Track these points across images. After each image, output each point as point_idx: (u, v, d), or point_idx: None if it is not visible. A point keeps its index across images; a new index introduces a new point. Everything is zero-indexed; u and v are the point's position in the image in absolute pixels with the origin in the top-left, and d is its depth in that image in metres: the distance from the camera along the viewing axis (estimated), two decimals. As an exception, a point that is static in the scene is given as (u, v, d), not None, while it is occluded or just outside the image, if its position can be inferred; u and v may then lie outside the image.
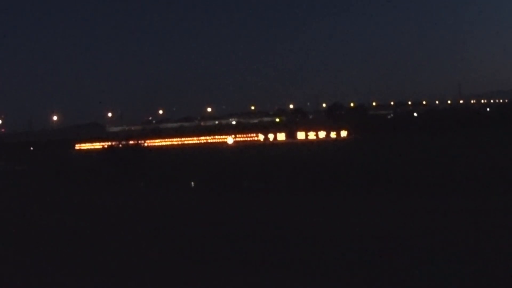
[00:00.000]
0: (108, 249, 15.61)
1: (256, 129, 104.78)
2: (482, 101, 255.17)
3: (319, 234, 16.19)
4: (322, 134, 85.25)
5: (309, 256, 13.41)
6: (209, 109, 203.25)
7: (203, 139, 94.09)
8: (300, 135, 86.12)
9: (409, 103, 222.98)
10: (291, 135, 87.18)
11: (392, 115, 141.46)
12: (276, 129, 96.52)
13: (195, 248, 14.95)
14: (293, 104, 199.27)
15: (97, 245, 16.17)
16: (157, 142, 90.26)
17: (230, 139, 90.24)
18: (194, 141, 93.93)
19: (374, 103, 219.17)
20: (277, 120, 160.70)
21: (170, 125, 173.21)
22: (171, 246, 15.52)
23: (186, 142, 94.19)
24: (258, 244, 15.09)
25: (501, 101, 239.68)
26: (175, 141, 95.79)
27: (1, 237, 18.62)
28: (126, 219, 21.52)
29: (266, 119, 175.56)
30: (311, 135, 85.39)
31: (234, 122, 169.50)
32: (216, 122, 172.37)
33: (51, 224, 20.81)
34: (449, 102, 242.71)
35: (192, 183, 32.28)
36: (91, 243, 16.60)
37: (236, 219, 20.46)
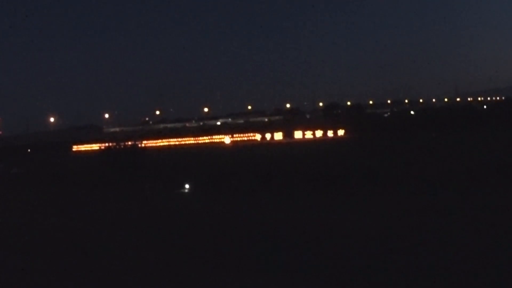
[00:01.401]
0: (106, 251, 15.63)
1: (244, 129, 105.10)
2: (479, 99, 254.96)
3: (314, 234, 16.21)
4: (319, 133, 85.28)
5: (303, 256, 13.43)
6: (206, 109, 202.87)
7: (200, 140, 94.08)
8: (298, 135, 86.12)
9: (406, 101, 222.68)
10: (288, 134, 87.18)
11: (389, 113, 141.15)
12: (273, 128, 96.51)
13: (191, 249, 14.98)
14: (290, 104, 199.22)
15: (95, 248, 16.19)
16: (154, 143, 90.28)
17: (227, 139, 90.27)
18: (191, 142, 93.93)
19: (371, 102, 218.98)
20: (266, 120, 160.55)
21: (158, 126, 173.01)
22: (168, 248, 15.55)
23: (183, 142, 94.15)
24: (252, 245, 15.12)
25: (497, 98, 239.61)
26: (173, 141, 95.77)
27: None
28: (121, 222, 21.54)
29: (253, 119, 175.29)
30: (308, 135, 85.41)
31: (219, 123, 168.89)
32: (201, 123, 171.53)
33: (52, 228, 20.82)
34: (446, 100, 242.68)
35: (187, 185, 32.21)
36: (90, 246, 16.62)
37: (230, 220, 20.50)
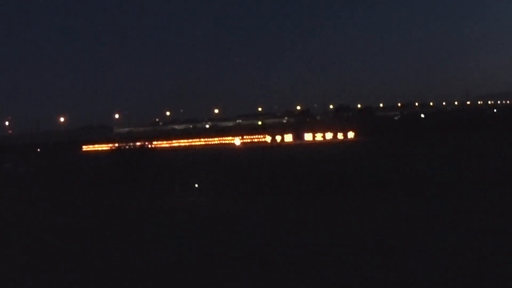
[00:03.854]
0: (109, 251, 15.62)
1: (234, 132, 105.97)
2: (489, 102, 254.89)
3: (319, 236, 16.17)
4: (329, 135, 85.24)
5: (307, 257, 13.39)
6: (216, 111, 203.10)
7: (210, 141, 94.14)
8: (308, 137, 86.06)
9: (416, 104, 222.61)
10: (298, 136, 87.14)
11: (399, 116, 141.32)
12: (283, 130, 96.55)
13: (194, 250, 14.97)
14: (300, 106, 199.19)
15: (99, 247, 16.19)
16: (164, 144, 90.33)
17: (237, 141, 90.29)
18: (201, 143, 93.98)
19: (381, 105, 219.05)
20: (260, 123, 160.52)
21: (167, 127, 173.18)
22: (169, 248, 15.53)
23: (193, 143, 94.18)
24: (256, 246, 15.08)
25: (508, 102, 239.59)
26: (182, 142, 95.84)
27: (6, 240, 18.67)
28: (126, 221, 21.53)
29: (244, 122, 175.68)
30: (318, 137, 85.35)
31: (207, 126, 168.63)
32: (191, 126, 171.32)
33: (62, 228, 20.84)
34: (456, 103, 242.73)
35: (196, 185, 32.20)
36: (93, 245, 16.62)
37: (236, 220, 20.50)
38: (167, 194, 30.75)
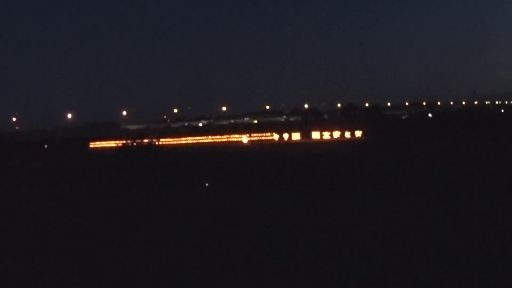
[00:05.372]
0: (116, 249, 15.63)
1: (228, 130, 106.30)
2: (497, 102, 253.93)
3: (322, 234, 16.16)
4: (336, 134, 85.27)
5: (311, 256, 13.38)
6: (224, 108, 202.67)
7: (218, 138, 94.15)
8: (315, 135, 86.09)
9: (424, 103, 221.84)
10: (306, 135, 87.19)
11: (406, 115, 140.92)
12: (290, 128, 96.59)
13: (201, 248, 14.97)
14: (308, 104, 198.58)
15: (105, 245, 16.19)
16: (172, 141, 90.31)
17: (245, 138, 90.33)
18: (209, 140, 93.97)
19: (388, 104, 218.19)
20: (255, 121, 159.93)
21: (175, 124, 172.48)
22: (177, 246, 15.53)
23: (201, 141, 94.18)
24: (261, 244, 15.08)
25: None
26: (190, 140, 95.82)
27: (15, 237, 18.71)
28: (134, 219, 21.55)
29: (239, 120, 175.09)
30: (326, 135, 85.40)
31: (200, 124, 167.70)
32: (186, 124, 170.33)
33: (69, 226, 20.87)
34: (463, 103, 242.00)
35: (207, 184, 32.18)
36: (100, 243, 16.63)
37: (243, 218, 20.49)
38: (174, 192, 30.78)
